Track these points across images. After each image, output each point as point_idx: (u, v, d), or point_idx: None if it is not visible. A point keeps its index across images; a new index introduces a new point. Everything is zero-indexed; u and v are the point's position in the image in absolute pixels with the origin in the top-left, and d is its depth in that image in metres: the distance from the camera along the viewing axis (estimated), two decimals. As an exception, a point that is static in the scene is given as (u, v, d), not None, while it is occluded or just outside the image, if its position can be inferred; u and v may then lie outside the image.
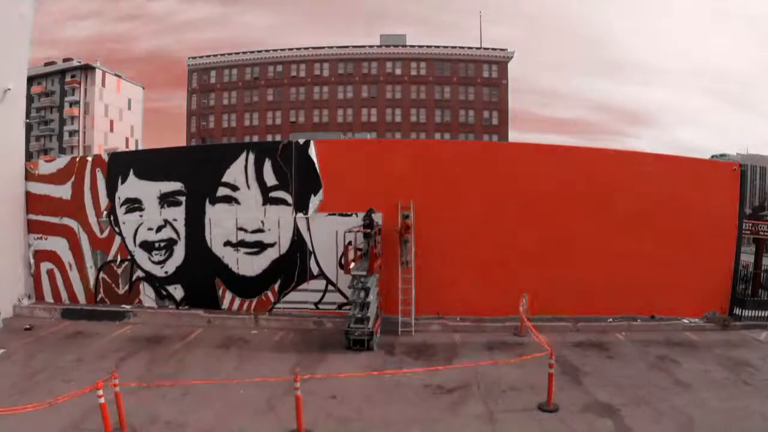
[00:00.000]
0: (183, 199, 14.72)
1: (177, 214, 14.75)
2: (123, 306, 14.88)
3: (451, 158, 14.19)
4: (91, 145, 66.40)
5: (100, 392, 7.11)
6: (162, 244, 14.87)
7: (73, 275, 15.51)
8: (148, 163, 15.21)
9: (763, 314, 13.76)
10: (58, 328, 13.71)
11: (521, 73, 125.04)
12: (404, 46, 61.43)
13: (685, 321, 13.66)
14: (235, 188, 14.41)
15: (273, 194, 14.28)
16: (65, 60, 69.92)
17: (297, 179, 14.14)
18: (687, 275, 13.70)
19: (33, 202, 15.67)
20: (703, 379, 9.94)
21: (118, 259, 15.18)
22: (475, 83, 60.68)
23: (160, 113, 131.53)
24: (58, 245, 15.54)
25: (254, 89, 62.39)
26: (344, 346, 11.68)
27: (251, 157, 14.35)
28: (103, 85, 69.63)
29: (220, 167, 14.43)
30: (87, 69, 68.38)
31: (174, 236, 14.81)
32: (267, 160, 14.25)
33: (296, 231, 14.25)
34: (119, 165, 15.21)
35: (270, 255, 14.35)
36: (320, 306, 14.18)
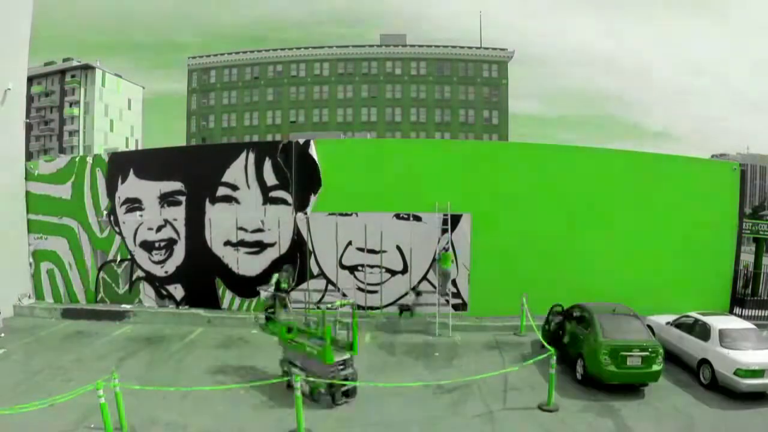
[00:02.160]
0: (183, 198, 14.71)
1: (177, 214, 14.75)
2: (123, 306, 14.87)
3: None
4: (91, 145, 66.35)
5: (101, 392, 7.11)
6: (162, 244, 14.87)
7: (73, 275, 15.50)
8: (148, 162, 15.20)
9: (763, 314, 13.76)
10: (58, 327, 13.71)
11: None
12: (404, 45, 61.45)
13: (685, 321, 13.63)
14: (235, 188, 14.40)
15: (273, 194, 14.28)
16: (65, 60, 69.93)
17: (297, 179, 14.13)
18: (687, 275, 13.69)
19: (33, 202, 15.65)
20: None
21: (118, 258, 15.20)
22: (475, 83, 60.70)
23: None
24: (58, 245, 15.52)
25: (254, 89, 62.39)
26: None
27: (251, 156, 14.35)
28: (103, 85, 69.64)
29: (220, 167, 14.43)
30: (87, 69, 68.38)
31: (174, 236, 14.81)
32: (267, 159, 14.25)
33: (296, 231, 14.25)
34: (119, 165, 15.21)
35: (270, 255, 14.35)
36: (320, 305, 14.16)
